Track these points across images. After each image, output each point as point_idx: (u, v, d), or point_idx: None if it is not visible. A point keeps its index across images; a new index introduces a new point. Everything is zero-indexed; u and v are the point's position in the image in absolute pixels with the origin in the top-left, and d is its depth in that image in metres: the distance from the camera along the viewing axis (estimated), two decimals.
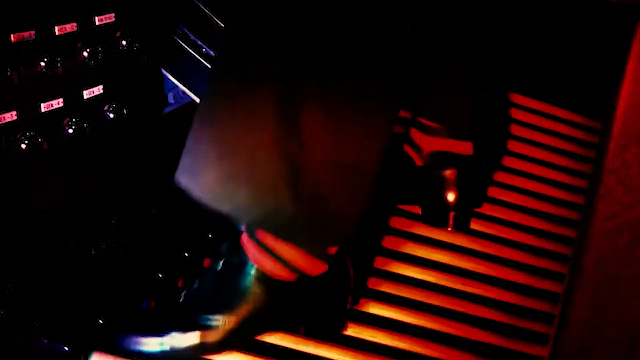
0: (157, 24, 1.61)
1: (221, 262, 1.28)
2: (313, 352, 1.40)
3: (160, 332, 1.23)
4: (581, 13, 2.05)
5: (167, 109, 1.68)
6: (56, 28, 1.39)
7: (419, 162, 1.50)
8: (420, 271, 1.60)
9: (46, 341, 1.29)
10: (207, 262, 1.37)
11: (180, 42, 1.65)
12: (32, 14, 1.34)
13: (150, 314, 1.28)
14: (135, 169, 1.61)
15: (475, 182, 1.49)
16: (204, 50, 1.68)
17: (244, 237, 1.26)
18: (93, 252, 1.48)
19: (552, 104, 2.12)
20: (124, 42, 1.51)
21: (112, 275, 1.46)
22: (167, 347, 1.23)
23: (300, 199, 1.16)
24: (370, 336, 1.45)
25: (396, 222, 1.72)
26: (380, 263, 1.61)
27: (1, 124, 1.32)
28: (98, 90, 1.48)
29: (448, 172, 1.47)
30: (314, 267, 1.27)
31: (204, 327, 1.23)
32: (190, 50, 1.65)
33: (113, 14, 1.48)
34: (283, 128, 1.13)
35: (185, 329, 1.23)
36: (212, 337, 1.24)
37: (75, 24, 1.41)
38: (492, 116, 1.98)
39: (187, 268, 1.48)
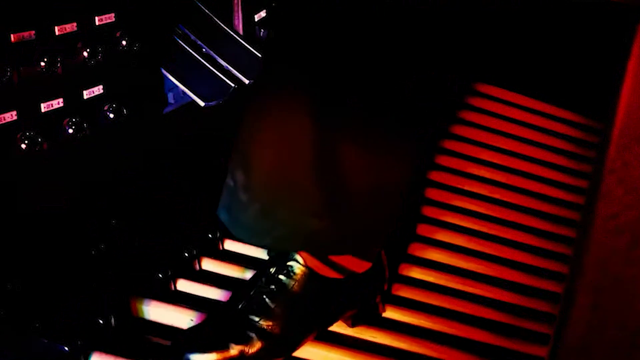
0: (157, 24, 1.61)
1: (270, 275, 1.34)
2: (313, 352, 1.40)
3: (221, 346, 1.26)
4: (582, 13, 2.05)
5: (167, 109, 1.68)
6: (56, 28, 1.38)
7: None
8: (420, 271, 1.60)
9: (46, 341, 1.29)
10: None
11: (180, 42, 1.65)
12: (32, 14, 1.34)
13: (208, 331, 1.31)
14: (135, 169, 1.61)
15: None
16: (204, 50, 1.68)
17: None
18: (93, 252, 1.47)
19: (552, 104, 2.12)
20: (124, 42, 1.50)
21: (112, 275, 1.46)
22: (235, 356, 1.26)
23: (341, 219, 1.27)
24: (370, 336, 1.45)
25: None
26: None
27: (1, 124, 1.32)
28: (98, 90, 1.48)
29: None
30: (362, 266, 1.37)
31: (265, 335, 1.28)
32: (190, 50, 1.65)
33: (113, 14, 1.48)
34: (320, 156, 1.22)
35: (245, 341, 1.27)
36: (279, 339, 1.29)
37: (75, 24, 1.41)
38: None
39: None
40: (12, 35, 1.31)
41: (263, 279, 1.34)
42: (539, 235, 1.74)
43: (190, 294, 1.48)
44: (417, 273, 1.60)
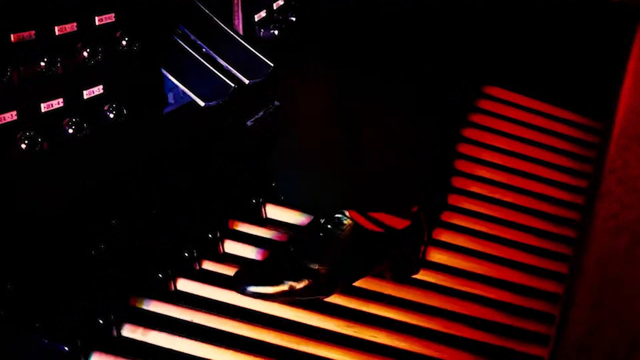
0: (157, 24, 1.61)
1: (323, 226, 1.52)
2: (313, 352, 1.40)
3: (276, 281, 1.46)
4: (582, 13, 2.05)
5: (167, 109, 1.68)
6: (56, 28, 1.38)
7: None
8: (420, 271, 1.60)
9: (46, 341, 1.29)
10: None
11: (180, 42, 1.65)
12: (32, 14, 1.34)
13: (265, 268, 1.51)
14: (135, 169, 1.61)
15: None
16: (204, 50, 1.68)
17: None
18: (93, 252, 1.47)
19: (552, 104, 2.12)
20: (124, 42, 1.50)
21: (112, 275, 1.46)
22: (285, 289, 1.46)
23: (373, 180, 1.46)
24: (371, 336, 1.45)
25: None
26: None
27: (1, 124, 1.32)
28: (98, 90, 1.48)
29: None
30: (400, 223, 1.52)
31: (313, 274, 1.47)
32: (190, 50, 1.65)
33: (113, 14, 1.48)
34: (351, 123, 1.42)
35: (298, 277, 1.46)
36: (321, 280, 1.47)
37: (75, 24, 1.41)
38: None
39: None
40: (12, 35, 1.31)
41: (314, 228, 1.53)
42: (539, 235, 1.74)
43: (190, 294, 1.48)
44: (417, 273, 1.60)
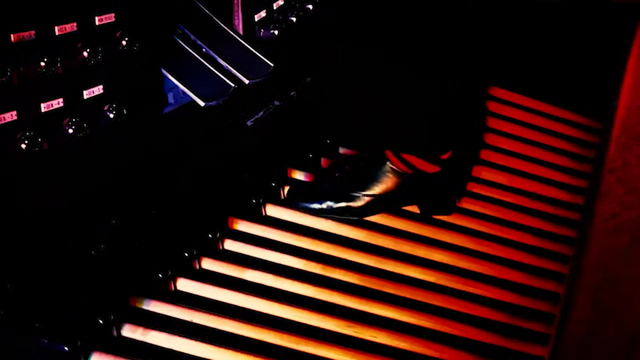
0: (157, 24, 1.61)
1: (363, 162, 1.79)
2: (313, 352, 1.40)
3: (320, 200, 1.74)
4: (582, 13, 2.05)
5: (167, 109, 1.68)
6: (56, 28, 1.38)
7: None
8: (420, 271, 1.60)
9: (46, 341, 1.29)
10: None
11: (180, 42, 1.65)
12: (32, 14, 1.34)
13: (314, 187, 1.79)
14: (135, 169, 1.61)
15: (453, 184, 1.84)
16: (204, 50, 1.68)
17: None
18: (93, 252, 1.47)
19: (552, 104, 2.12)
20: (124, 42, 1.50)
21: (112, 275, 1.46)
22: (325, 207, 1.73)
23: (409, 123, 1.73)
24: (371, 336, 1.45)
25: (396, 223, 1.72)
26: (381, 263, 1.61)
27: (1, 124, 1.32)
28: (98, 90, 1.48)
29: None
30: (429, 167, 1.73)
31: (350, 199, 1.73)
32: (190, 50, 1.65)
33: (113, 14, 1.48)
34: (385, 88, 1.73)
35: (337, 199, 1.73)
36: (356, 204, 1.73)
37: (75, 24, 1.41)
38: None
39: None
40: (12, 35, 1.31)
41: (358, 160, 1.81)
42: (539, 235, 1.74)
43: (190, 294, 1.48)
44: (417, 273, 1.60)
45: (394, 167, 1.72)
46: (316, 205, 1.74)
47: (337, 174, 1.81)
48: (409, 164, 1.72)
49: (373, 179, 1.73)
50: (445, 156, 1.75)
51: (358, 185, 1.74)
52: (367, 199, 1.72)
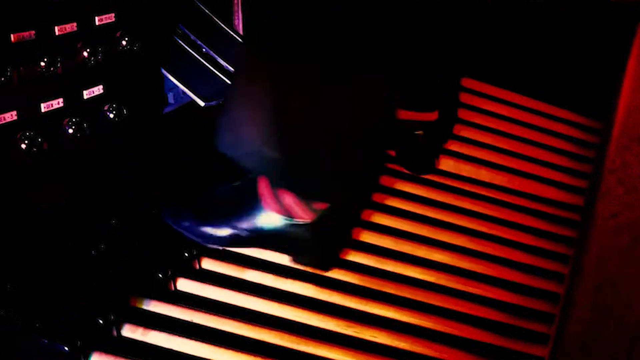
0: (157, 24, 1.61)
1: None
2: (313, 352, 1.40)
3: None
4: (582, 13, 2.05)
5: (167, 109, 1.68)
6: (56, 28, 1.39)
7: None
8: (420, 271, 1.60)
9: (46, 341, 1.29)
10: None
11: (180, 42, 1.65)
12: (32, 14, 1.34)
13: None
14: (135, 169, 1.61)
15: (438, 137, 1.92)
16: (204, 50, 1.68)
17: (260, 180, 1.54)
18: (93, 252, 1.48)
19: (552, 104, 2.12)
20: (124, 42, 1.50)
21: (112, 275, 1.46)
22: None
23: (288, 155, 1.42)
24: (371, 336, 1.45)
25: (396, 223, 1.72)
26: (381, 263, 1.61)
27: (1, 124, 1.32)
28: (98, 90, 1.48)
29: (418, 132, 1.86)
30: (304, 214, 1.52)
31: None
32: (190, 50, 1.65)
33: (113, 14, 1.48)
34: (277, 102, 1.39)
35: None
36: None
37: (75, 24, 1.41)
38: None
39: None
40: (12, 35, 1.31)
41: None
42: (539, 235, 1.74)
43: (190, 294, 1.48)
44: (417, 273, 1.60)
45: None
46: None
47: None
48: (284, 209, 1.53)
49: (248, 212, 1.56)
50: (322, 206, 1.53)
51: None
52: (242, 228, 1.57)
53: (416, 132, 1.84)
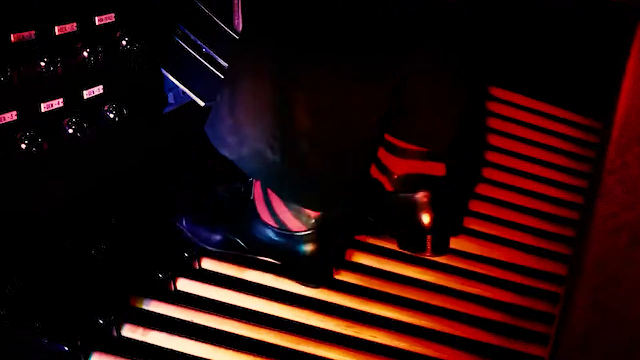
0: (157, 24, 1.61)
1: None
2: (313, 352, 1.40)
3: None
4: (582, 13, 2.05)
5: (167, 109, 1.69)
6: (56, 28, 1.39)
7: (388, 186, 1.53)
8: (420, 271, 1.60)
9: (46, 341, 1.29)
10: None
11: (180, 42, 1.65)
12: (32, 14, 1.34)
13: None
14: (135, 169, 1.61)
15: (452, 202, 1.50)
16: (204, 50, 1.68)
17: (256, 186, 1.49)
18: (93, 252, 1.48)
19: (552, 104, 2.12)
20: (124, 42, 1.51)
21: (112, 275, 1.46)
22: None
23: (289, 159, 1.36)
24: (370, 336, 1.45)
25: None
26: (381, 263, 1.61)
27: (1, 124, 1.32)
28: (98, 90, 1.49)
29: (421, 195, 1.48)
30: (295, 225, 1.46)
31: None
32: (190, 50, 1.65)
33: (113, 14, 1.48)
34: (278, 101, 1.34)
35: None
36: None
37: (75, 24, 1.41)
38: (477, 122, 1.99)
39: None
40: (12, 35, 1.32)
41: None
42: (539, 235, 1.74)
43: (190, 294, 1.48)
44: (417, 273, 1.60)
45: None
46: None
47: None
48: (277, 219, 1.48)
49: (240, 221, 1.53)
50: (315, 214, 1.44)
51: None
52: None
53: (416, 196, 1.45)
